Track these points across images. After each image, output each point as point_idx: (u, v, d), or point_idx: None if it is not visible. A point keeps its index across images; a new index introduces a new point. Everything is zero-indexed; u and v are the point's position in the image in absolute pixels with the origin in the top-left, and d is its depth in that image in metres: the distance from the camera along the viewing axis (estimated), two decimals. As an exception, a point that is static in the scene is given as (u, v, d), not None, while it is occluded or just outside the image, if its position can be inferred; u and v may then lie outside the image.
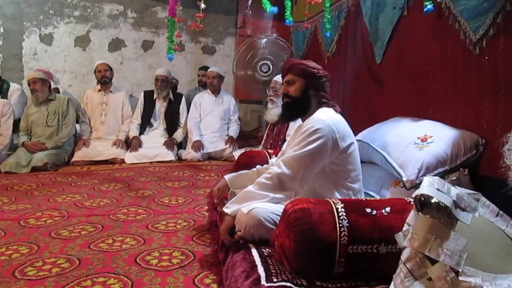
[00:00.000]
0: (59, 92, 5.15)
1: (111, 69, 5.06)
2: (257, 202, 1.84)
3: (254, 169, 2.30)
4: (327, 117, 1.93)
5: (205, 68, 5.90)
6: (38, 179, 3.81)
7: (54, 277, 1.79)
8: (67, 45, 6.09)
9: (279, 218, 1.68)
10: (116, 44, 6.30)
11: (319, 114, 1.97)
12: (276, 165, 1.91)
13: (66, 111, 4.64)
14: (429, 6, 2.44)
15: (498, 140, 1.49)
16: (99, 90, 5.08)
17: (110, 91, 5.08)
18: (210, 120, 5.18)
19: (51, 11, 5.99)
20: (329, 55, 4.32)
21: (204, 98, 5.23)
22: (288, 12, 3.23)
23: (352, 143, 1.98)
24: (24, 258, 1.99)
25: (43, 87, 4.54)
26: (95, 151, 4.71)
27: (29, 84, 4.57)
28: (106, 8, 6.20)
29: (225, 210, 1.88)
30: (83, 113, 5.02)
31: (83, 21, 6.14)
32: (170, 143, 4.90)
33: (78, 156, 4.61)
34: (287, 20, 3.26)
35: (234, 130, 5.22)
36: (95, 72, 5.03)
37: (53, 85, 4.89)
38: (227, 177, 2.28)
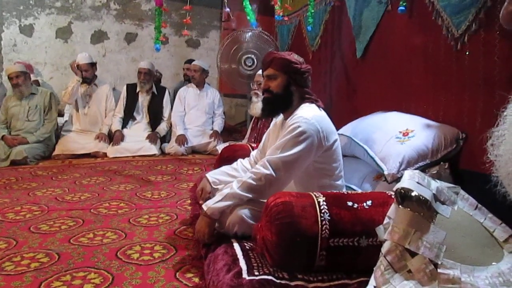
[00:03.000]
0: (39, 85, 5.03)
1: (93, 66, 4.86)
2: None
3: (235, 163, 2.27)
4: (311, 115, 1.89)
5: (191, 61, 5.85)
6: (17, 173, 3.74)
7: (33, 272, 1.75)
8: (48, 37, 5.98)
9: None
10: (98, 36, 6.20)
11: (303, 111, 1.94)
12: (262, 165, 1.85)
13: (48, 106, 4.55)
14: (401, 7, 2.55)
15: (478, 134, 1.51)
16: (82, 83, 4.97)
17: (94, 84, 4.97)
18: (195, 114, 5.14)
19: (31, 2, 5.86)
20: (314, 49, 4.32)
21: (188, 92, 5.19)
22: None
23: (335, 140, 1.97)
24: (2, 253, 1.95)
25: (26, 81, 4.43)
26: (76, 144, 4.63)
27: (10, 79, 4.42)
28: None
29: (205, 208, 1.86)
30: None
31: (64, 12, 6.02)
32: (153, 137, 4.85)
33: (59, 149, 4.53)
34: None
35: (218, 124, 5.20)
36: (77, 67, 4.90)
37: (32, 78, 4.78)
38: (209, 175, 2.19)
